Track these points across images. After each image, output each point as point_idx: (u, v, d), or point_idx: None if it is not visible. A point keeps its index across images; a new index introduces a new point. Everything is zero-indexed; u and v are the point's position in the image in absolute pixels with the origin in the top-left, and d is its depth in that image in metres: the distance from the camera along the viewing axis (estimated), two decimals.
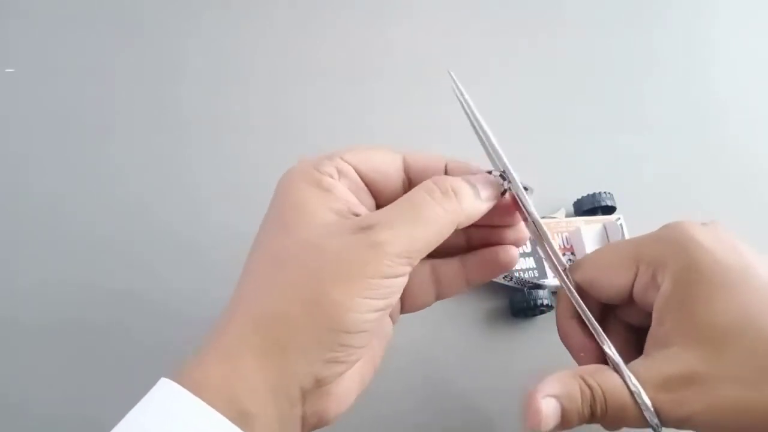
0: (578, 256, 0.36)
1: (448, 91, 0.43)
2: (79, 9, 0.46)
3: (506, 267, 0.26)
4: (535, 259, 0.36)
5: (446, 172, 0.25)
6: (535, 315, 0.36)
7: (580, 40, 0.47)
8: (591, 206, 0.38)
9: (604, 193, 0.39)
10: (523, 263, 0.36)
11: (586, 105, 0.45)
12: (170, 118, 0.42)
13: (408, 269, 0.22)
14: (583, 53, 0.47)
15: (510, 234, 0.27)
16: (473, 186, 0.24)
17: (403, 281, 0.22)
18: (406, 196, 0.23)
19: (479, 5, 0.48)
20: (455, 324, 0.37)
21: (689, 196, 0.42)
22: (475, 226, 0.25)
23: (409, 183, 0.25)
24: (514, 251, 0.26)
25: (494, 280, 0.36)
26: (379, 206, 0.25)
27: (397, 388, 0.35)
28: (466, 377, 0.35)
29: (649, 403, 0.22)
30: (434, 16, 0.48)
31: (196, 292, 0.36)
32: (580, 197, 0.39)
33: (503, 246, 0.26)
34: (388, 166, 0.25)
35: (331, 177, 0.23)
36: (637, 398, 0.23)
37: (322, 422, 0.22)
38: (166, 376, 0.20)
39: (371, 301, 0.21)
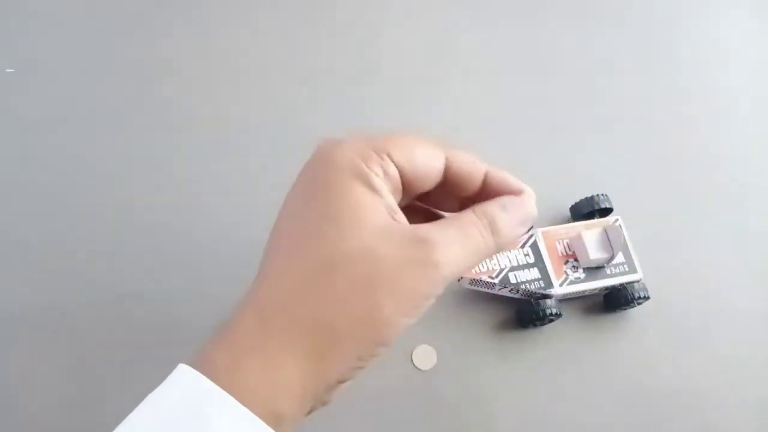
0: (581, 263, 0.36)
1: (446, 89, 0.44)
2: (79, 9, 0.46)
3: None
4: (539, 269, 0.36)
5: (484, 181, 0.25)
6: (543, 324, 0.36)
7: (569, 42, 0.47)
8: (589, 209, 0.38)
9: (600, 195, 0.38)
10: (528, 274, 0.36)
11: (574, 106, 0.44)
12: (171, 117, 0.42)
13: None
14: (571, 55, 0.46)
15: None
16: (510, 218, 0.24)
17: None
18: (456, 220, 0.23)
19: (473, 5, 0.48)
20: (464, 337, 0.36)
21: (683, 192, 0.42)
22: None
23: (444, 183, 0.25)
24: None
25: (500, 293, 0.36)
26: (405, 197, 0.24)
27: (407, 400, 0.35)
28: (477, 389, 0.35)
29: None
30: (431, 16, 0.47)
31: (194, 292, 0.36)
32: (576, 201, 0.39)
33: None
34: (430, 169, 0.24)
35: (378, 176, 0.22)
36: None
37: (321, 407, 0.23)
38: (183, 367, 0.20)
39: (410, 320, 0.21)
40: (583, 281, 0.36)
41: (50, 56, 0.44)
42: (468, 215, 0.24)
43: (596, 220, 0.38)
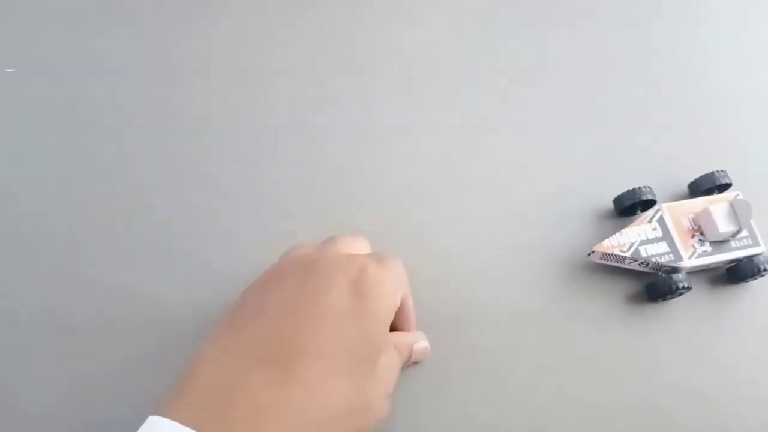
0: (708, 236, 0.37)
1: (449, 89, 0.44)
2: (80, 8, 0.46)
3: None
4: (667, 243, 0.37)
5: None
6: (672, 297, 0.37)
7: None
8: (709, 186, 0.39)
9: (720, 171, 0.39)
10: (657, 248, 0.37)
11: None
12: (172, 117, 0.43)
13: None
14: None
15: None
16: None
17: None
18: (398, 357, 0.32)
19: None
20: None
21: None
22: None
23: None
24: None
25: (629, 266, 0.37)
26: None
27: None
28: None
29: None
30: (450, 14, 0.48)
31: (199, 293, 0.37)
32: (695, 178, 0.40)
33: None
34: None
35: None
36: None
37: None
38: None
39: None
40: (710, 254, 0.37)
41: (50, 56, 0.44)
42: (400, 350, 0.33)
43: (718, 195, 0.39)
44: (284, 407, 0.24)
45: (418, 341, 0.34)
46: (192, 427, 0.22)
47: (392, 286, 0.30)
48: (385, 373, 0.29)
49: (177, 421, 0.23)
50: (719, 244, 0.37)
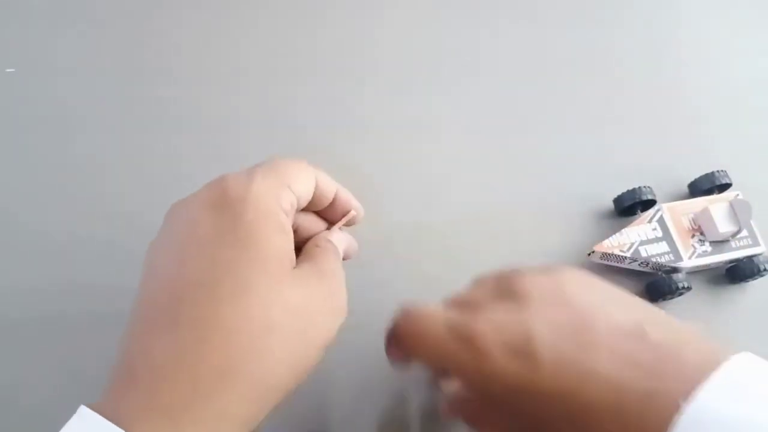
0: (708, 236, 0.37)
1: (449, 89, 0.44)
2: (80, 9, 0.46)
3: None
4: (667, 243, 0.37)
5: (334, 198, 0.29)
6: (672, 298, 0.37)
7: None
8: (709, 186, 0.39)
9: (720, 171, 0.39)
10: (657, 248, 0.37)
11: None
12: (172, 117, 0.42)
13: None
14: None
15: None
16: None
17: None
18: (327, 261, 0.26)
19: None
20: None
21: None
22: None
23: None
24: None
25: (629, 266, 0.37)
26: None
27: None
28: None
29: None
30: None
31: None
32: (695, 178, 0.40)
33: None
34: (310, 193, 0.27)
35: (287, 215, 0.25)
36: None
37: None
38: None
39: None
40: (710, 254, 0.37)
41: (50, 56, 0.44)
42: (331, 258, 0.27)
43: (718, 195, 0.39)
44: (177, 363, 0.21)
45: (334, 237, 0.30)
46: (97, 409, 0.21)
47: (260, 188, 0.24)
48: (318, 282, 0.25)
49: (89, 406, 0.21)
50: (719, 244, 0.37)
